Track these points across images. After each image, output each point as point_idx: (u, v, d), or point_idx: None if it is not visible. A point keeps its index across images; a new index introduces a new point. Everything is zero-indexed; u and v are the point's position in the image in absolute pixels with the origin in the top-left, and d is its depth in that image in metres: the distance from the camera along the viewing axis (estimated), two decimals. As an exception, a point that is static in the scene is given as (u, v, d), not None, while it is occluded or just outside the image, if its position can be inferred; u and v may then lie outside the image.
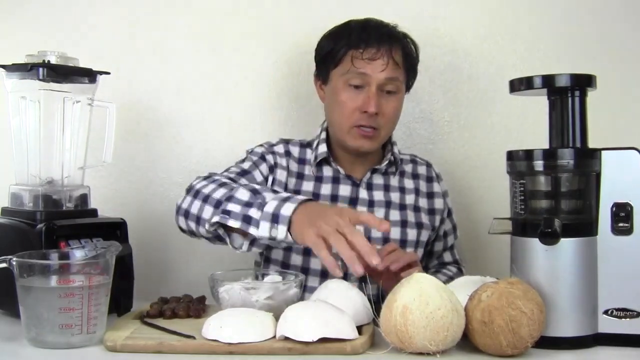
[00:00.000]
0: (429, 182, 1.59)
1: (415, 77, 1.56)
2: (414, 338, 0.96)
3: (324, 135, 1.54)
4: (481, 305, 1.00)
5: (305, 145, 1.56)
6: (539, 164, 1.08)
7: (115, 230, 1.33)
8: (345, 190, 1.50)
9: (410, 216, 1.53)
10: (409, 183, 1.57)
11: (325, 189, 1.49)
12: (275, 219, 1.12)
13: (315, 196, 1.49)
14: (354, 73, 1.44)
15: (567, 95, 1.11)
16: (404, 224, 1.52)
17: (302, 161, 1.52)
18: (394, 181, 1.55)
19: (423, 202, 1.56)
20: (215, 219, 1.19)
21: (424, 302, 0.96)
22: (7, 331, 1.15)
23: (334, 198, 1.49)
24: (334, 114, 1.49)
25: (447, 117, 1.80)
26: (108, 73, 1.39)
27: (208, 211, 1.23)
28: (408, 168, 1.58)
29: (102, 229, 1.32)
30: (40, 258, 1.09)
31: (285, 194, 1.16)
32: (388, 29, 1.49)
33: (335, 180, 1.51)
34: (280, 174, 1.49)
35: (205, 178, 1.33)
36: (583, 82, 1.11)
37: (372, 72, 1.43)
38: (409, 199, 1.55)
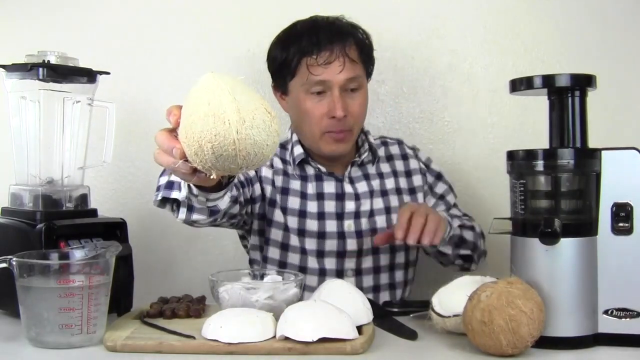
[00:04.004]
0: (405, 160, 1.58)
1: (374, 64, 1.54)
2: None
3: (295, 137, 1.52)
4: (481, 305, 1.00)
5: (282, 145, 1.55)
6: (539, 164, 1.08)
7: (115, 230, 1.33)
8: (330, 186, 1.50)
9: (394, 200, 1.53)
10: (385, 167, 1.56)
11: (311, 188, 1.50)
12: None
13: (302, 195, 1.49)
14: (313, 82, 1.42)
15: (567, 95, 1.10)
16: (387, 210, 1.52)
17: (284, 161, 1.52)
18: (371, 169, 1.54)
19: (403, 183, 1.56)
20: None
21: None
22: (7, 331, 1.15)
23: (320, 196, 1.49)
24: (303, 124, 1.47)
25: (447, 117, 1.80)
26: (108, 73, 1.39)
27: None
28: (381, 152, 1.57)
29: (102, 229, 1.32)
30: (40, 258, 1.09)
31: None
32: (337, 26, 1.46)
33: (319, 178, 1.51)
34: (266, 172, 1.49)
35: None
36: (583, 82, 1.10)
37: (331, 77, 1.41)
38: (389, 183, 1.54)
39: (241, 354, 1.00)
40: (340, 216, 1.49)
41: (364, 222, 1.49)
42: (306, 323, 1.01)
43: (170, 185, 1.16)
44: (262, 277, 1.24)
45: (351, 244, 1.48)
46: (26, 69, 1.30)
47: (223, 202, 1.14)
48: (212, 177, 0.89)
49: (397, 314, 1.25)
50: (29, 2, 1.78)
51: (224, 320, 1.04)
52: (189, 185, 1.06)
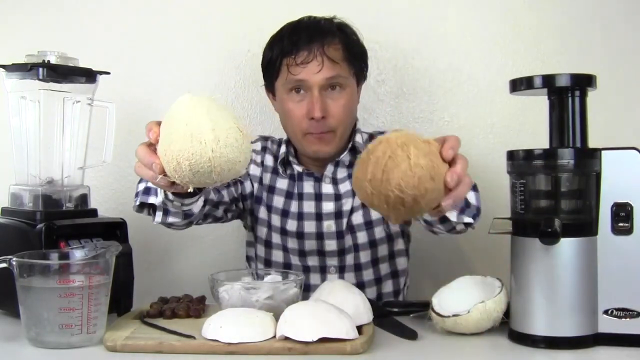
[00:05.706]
0: None
1: (366, 64, 1.51)
2: None
3: (286, 136, 1.53)
4: (380, 138, 0.93)
5: (277, 143, 1.56)
6: (539, 164, 1.08)
7: (115, 230, 1.33)
8: (308, 187, 1.50)
9: None
10: None
11: (295, 187, 1.51)
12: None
13: (288, 194, 1.50)
14: (292, 81, 1.42)
15: (567, 95, 1.11)
16: (364, 204, 1.51)
17: (276, 158, 1.53)
18: None
19: None
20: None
21: None
22: (7, 331, 1.15)
23: (300, 196, 1.50)
24: (287, 124, 1.48)
25: (447, 117, 1.80)
26: (108, 73, 1.39)
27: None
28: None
29: (102, 229, 1.32)
30: (40, 258, 1.09)
31: None
32: (319, 26, 1.45)
33: (300, 178, 1.51)
34: (254, 169, 1.50)
35: None
36: (583, 82, 1.11)
37: (308, 77, 1.40)
38: None
39: (241, 354, 1.00)
40: (319, 217, 1.48)
41: (345, 222, 1.48)
42: (306, 323, 1.01)
43: (147, 191, 1.23)
44: (262, 277, 1.24)
45: (330, 245, 1.48)
46: (26, 69, 1.30)
47: (197, 205, 1.22)
48: (189, 190, 0.97)
49: (397, 314, 1.25)
50: (29, 2, 1.78)
51: (224, 320, 1.04)
52: (165, 192, 1.13)
